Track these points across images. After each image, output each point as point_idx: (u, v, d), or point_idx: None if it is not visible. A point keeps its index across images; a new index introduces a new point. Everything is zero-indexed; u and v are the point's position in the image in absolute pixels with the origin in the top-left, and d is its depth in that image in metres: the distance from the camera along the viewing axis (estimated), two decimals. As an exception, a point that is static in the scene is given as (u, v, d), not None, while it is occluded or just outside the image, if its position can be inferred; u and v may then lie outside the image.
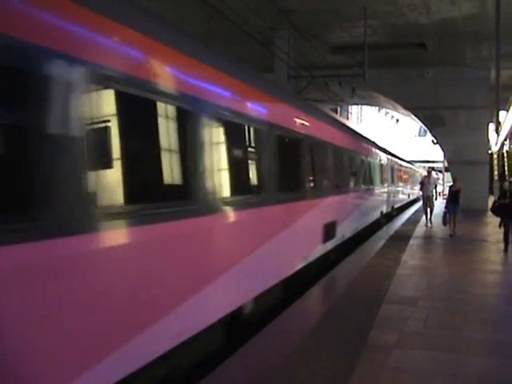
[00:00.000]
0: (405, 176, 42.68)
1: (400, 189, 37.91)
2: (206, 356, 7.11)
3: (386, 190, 27.71)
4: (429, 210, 24.98)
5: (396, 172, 34.81)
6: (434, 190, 27.46)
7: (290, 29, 24.13)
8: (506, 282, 11.79)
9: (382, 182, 26.45)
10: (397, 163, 36.18)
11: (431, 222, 24.52)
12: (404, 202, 40.68)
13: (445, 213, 20.62)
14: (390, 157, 31.73)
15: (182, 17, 21.03)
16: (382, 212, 25.81)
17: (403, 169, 41.40)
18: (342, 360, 6.76)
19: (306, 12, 23.39)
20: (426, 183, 25.60)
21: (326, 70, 26.39)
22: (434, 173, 27.99)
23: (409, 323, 8.51)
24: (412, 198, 48.63)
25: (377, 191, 24.14)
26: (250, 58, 22.21)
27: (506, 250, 15.77)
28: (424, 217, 25.49)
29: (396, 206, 33.49)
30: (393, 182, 32.25)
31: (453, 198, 20.67)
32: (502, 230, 16.01)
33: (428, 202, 25.32)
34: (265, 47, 22.44)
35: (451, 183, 22.88)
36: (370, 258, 15.18)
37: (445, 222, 20.59)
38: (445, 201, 23.05)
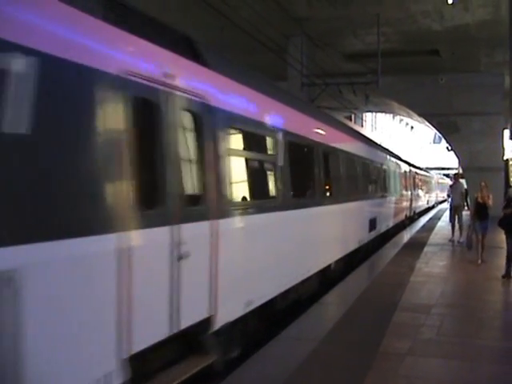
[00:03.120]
0: (423, 184, 43.62)
1: (420, 195, 40.38)
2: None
3: (409, 196, 31.07)
4: (457, 222, 21.31)
5: (416, 180, 36.70)
6: (463, 199, 22.62)
7: (302, 37, 24.21)
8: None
9: (407, 190, 30.12)
10: (416, 172, 38.01)
11: (459, 239, 20.24)
12: (423, 208, 43.20)
13: (469, 235, 15.91)
14: (411, 168, 34.47)
15: (195, 26, 21.11)
16: (406, 215, 29.35)
17: (421, 177, 42.60)
18: (355, 367, 6.77)
19: (319, 20, 23.47)
20: (453, 191, 22.13)
21: (340, 78, 26.41)
22: (462, 180, 24.94)
23: (422, 331, 8.50)
24: (430, 204, 51.17)
25: (403, 197, 28.17)
26: (263, 66, 22.28)
27: (507, 275, 13.02)
28: (451, 229, 21.52)
29: (417, 210, 36.88)
30: (414, 189, 34.68)
31: (479, 212, 15.42)
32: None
33: (456, 212, 21.31)
34: (278, 55, 22.49)
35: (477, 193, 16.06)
36: (385, 265, 15.18)
37: (469, 245, 15.86)
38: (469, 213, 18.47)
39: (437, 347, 7.71)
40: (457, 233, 20.84)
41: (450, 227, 21.49)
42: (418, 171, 40.82)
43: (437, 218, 35.61)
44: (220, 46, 21.01)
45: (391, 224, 23.44)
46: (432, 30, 25.12)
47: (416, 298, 11.01)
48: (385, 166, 22.26)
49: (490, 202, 15.44)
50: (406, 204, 29.46)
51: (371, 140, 22.52)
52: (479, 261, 15.16)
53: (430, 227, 27.52)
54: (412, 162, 38.97)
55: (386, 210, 22.40)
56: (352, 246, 15.10)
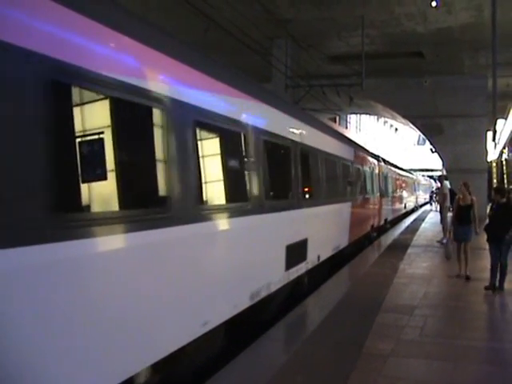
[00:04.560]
0: (400, 184, 37.83)
1: (396, 198, 34.38)
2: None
3: (377, 200, 23.98)
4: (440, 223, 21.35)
5: (390, 179, 30.88)
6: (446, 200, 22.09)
7: (287, 38, 24.22)
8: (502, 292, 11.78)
9: (373, 191, 23.07)
10: (389, 169, 31.70)
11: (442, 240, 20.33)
12: (399, 214, 36.52)
13: (446, 242, 14.94)
14: (382, 163, 27.82)
15: (179, 27, 21.09)
16: (372, 226, 22.56)
17: (397, 176, 36.34)
18: (338, 368, 6.78)
19: (303, 22, 23.48)
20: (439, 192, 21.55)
21: (324, 80, 26.47)
22: (447, 182, 24.23)
23: (405, 331, 8.52)
24: (409, 208, 44.26)
25: (367, 202, 21.50)
26: (247, 67, 22.22)
27: (491, 287, 11.82)
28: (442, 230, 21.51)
29: (390, 217, 30.19)
30: (386, 190, 28.34)
31: (460, 216, 13.64)
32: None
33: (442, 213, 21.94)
34: (262, 57, 22.48)
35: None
36: (369, 267, 15.22)
37: (448, 255, 14.61)
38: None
39: (420, 348, 7.74)
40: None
41: (433, 229, 21.65)
42: (393, 168, 34.41)
43: (421, 219, 35.73)
44: (204, 47, 20.97)
45: (343, 243, 16.10)
46: (416, 32, 25.21)
47: (399, 298, 11.05)
48: (329, 158, 14.52)
49: (476, 207, 13.54)
50: (371, 211, 22.56)
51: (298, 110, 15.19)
52: (461, 273, 13.39)
53: (413, 229, 27.61)
54: (384, 157, 31.41)
55: (332, 223, 14.97)
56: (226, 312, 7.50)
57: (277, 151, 10.28)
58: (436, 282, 12.80)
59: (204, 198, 6.88)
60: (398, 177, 36.45)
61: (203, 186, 6.83)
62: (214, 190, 7.40)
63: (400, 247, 19.46)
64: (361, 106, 37.73)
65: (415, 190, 54.39)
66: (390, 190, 30.87)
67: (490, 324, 9.71)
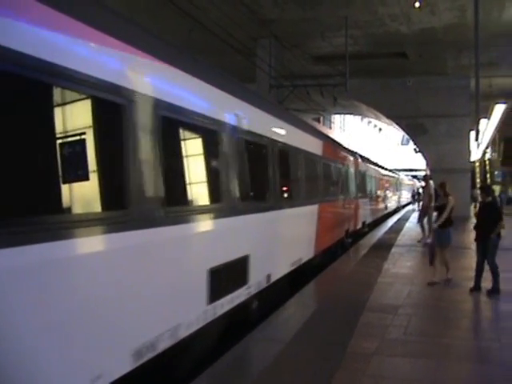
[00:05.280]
0: (382, 183, 35.52)
1: (377, 198, 32.13)
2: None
3: (352, 201, 21.43)
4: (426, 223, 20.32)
5: (369, 178, 28.35)
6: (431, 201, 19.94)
7: (271, 39, 24.27)
8: (484, 289, 11.85)
9: (348, 191, 20.49)
10: (368, 166, 28.62)
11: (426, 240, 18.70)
12: (380, 215, 34.17)
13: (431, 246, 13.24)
14: (360, 159, 25.30)
15: (163, 27, 21.08)
16: (347, 230, 20.12)
17: (378, 174, 33.76)
18: (323, 367, 6.80)
19: (287, 22, 23.55)
20: (423, 194, 21.78)
21: (308, 80, 26.55)
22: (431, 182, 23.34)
23: (389, 330, 8.56)
24: (390, 209, 41.68)
25: (342, 203, 19.08)
26: (231, 68, 22.26)
27: (475, 288, 11.57)
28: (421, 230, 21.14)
29: (370, 220, 27.63)
30: (365, 190, 26.25)
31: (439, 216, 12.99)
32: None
33: (425, 214, 20.55)
34: (246, 57, 22.53)
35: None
36: (353, 266, 15.27)
37: (431, 259, 12.89)
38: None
39: (404, 347, 7.78)
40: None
41: (417, 229, 21.53)
42: (373, 166, 31.75)
43: (405, 219, 35.87)
44: (188, 48, 20.98)
45: (308, 255, 13.48)
46: (400, 32, 25.35)
47: (384, 298, 11.08)
48: (286, 149, 11.57)
49: (449, 206, 12.62)
50: (346, 214, 19.96)
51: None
52: (434, 278, 12.43)
53: (397, 229, 27.71)
54: (363, 155, 28.96)
55: (290, 232, 11.85)
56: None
57: (195, 135, 7.36)
58: (420, 282, 12.85)
59: None
60: (378, 176, 33.90)
61: None
62: None
63: (384, 247, 19.52)
64: (345, 107, 37.88)
65: (398, 190, 52.11)
66: (370, 189, 28.42)
67: (472, 322, 9.78)
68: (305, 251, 13.27)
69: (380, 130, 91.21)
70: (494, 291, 11.14)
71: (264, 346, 7.84)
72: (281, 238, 11.18)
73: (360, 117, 65.05)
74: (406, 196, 61.07)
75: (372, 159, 34.24)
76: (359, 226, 23.34)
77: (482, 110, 24.76)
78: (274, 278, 10.18)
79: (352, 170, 21.84)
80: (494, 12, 22.36)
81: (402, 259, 16.67)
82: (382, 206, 35.61)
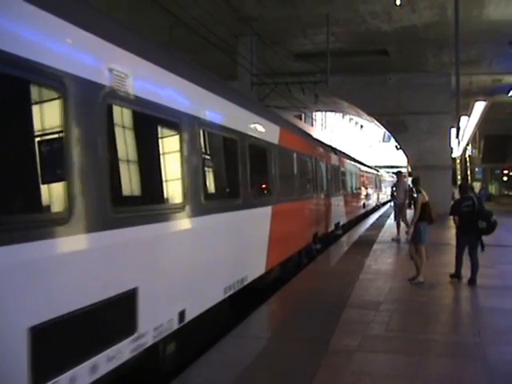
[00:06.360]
0: (359, 180, 33.06)
1: (352, 197, 29.14)
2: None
3: (322, 200, 18.96)
4: (402, 221, 20.35)
5: (343, 173, 25.59)
6: (406, 197, 20.52)
7: (252, 36, 24.26)
8: (465, 286, 11.94)
9: (318, 189, 18.01)
10: (343, 160, 25.77)
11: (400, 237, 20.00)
12: (357, 214, 31.30)
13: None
14: (334, 153, 23.04)
15: (143, 25, 20.97)
16: (316, 234, 17.39)
17: (355, 169, 31.24)
18: (305, 364, 6.80)
19: (268, 19, 23.54)
20: (397, 189, 21.69)
21: (289, 77, 26.52)
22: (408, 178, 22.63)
23: (371, 327, 8.58)
24: (368, 207, 38.95)
25: (310, 203, 16.78)
26: (213, 65, 22.18)
27: (456, 275, 12.30)
28: (396, 228, 21.18)
29: (344, 221, 24.71)
30: (337, 187, 23.23)
31: (422, 213, 12.34)
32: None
33: (400, 212, 20.97)
34: (228, 55, 22.50)
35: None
36: (334, 263, 15.32)
37: (417, 269, 12.19)
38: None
39: (385, 343, 7.81)
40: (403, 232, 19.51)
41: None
42: (350, 162, 29.45)
43: (386, 216, 35.98)
44: (169, 45, 20.90)
45: (256, 272, 10.49)
46: (381, 30, 25.44)
47: (365, 294, 11.12)
48: (221, 133, 8.79)
49: (418, 203, 12.33)
50: (313, 215, 17.21)
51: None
52: (412, 278, 12.21)
53: (378, 225, 27.80)
54: (338, 148, 26.00)
55: (225, 245, 8.75)
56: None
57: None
58: (401, 278, 12.90)
59: None
60: (356, 171, 31.65)
61: None
62: None
63: (366, 243, 19.57)
64: (326, 104, 37.95)
65: (377, 187, 49.78)
66: (345, 186, 25.95)
67: (453, 318, 9.83)
68: (252, 267, 10.30)
69: (361, 127, 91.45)
70: (472, 282, 11.94)
71: (245, 343, 7.83)
72: (204, 256, 7.69)
73: (341, 114, 65.16)
74: (386, 193, 60.54)
75: (348, 153, 31.36)
76: (331, 228, 20.82)
77: (462, 108, 24.92)
78: (192, 314, 7.09)
79: (322, 164, 19.19)
80: (474, 10, 22.51)
81: (384, 256, 16.73)
82: (359, 204, 33.22)
